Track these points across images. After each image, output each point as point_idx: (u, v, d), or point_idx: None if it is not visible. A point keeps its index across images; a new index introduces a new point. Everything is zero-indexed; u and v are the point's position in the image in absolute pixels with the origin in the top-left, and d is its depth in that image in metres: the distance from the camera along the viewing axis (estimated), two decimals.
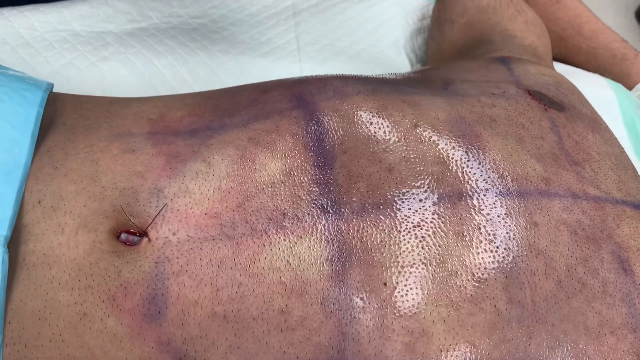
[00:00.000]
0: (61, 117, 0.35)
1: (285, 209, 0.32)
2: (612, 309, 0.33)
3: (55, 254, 0.28)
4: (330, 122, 0.35)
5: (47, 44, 0.51)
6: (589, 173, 0.38)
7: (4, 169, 0.30)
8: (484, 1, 0.60)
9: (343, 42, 0.64)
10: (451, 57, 0.59)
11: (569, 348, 0.31)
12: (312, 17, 0.66)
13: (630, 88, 0.73)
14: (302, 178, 0.33)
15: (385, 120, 0.35)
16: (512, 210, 0.34)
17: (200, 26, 0.60)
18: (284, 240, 0.31)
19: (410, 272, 0.31)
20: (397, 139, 0.35)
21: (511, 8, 0.59)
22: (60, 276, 0.28)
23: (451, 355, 0.29)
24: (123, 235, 0.30)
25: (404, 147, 0.35)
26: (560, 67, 0.74)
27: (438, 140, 0.35)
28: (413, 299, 0.30)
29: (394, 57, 0.66)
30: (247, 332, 0.29)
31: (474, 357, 0.29)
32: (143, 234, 0.30)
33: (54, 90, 0.41)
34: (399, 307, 0.30)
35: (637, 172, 0.43)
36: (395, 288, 0.30)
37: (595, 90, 0.69)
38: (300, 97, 0.37)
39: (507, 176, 0.35)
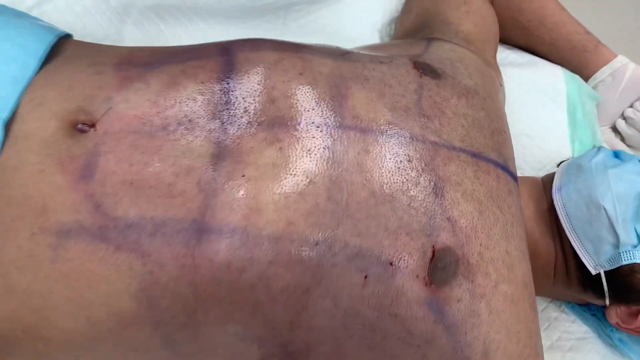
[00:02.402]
0: (66, 51, 0.52)
1: (192, 117, 0.46)
2: (412, 218, 0.44)
3: (32, 132, 0.44)
4: (239, 65, 0.49)
5: (85, 8, 0.69)
6: (436, 125, 0.49)
7: (15, 79, 0.47)
8: None
9: (325, 20, 0.77)
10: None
11: (369, 238, 0.43)
12: (305, 3, 0.79)
13: (588, 77, 0.80)
14: (211, 98, 0.47)
15: (278, 68, 0.49)
16: (352, 139, 0.46)
17: (207, 6, 0.75)
18: (184, 138, 0.45)
19: (263, 169, 0.44)
20: (283, 81, 0.48)
21: None
22: (32, 145, 0.44)
23: (274, 226, 0.42)
24: (80, 125, 0.45)
25: (287, 87, 0.48)
26: (526, 58, 0.82)
27: (315, 85, 0.48)
28: (257, 188, 0.43)
29: (368, 39, 0.78)
30: (144, 194, 0.43)
31: (292, 229, 0.42)
32: (92, 125, 0.45)
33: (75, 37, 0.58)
34: (246, 191, 0.43)
35: (496, 134, 0.53)
36: (249, 180, 0.44)
37: (549, 81, 0.78)
38: (228, 49, 0.51)
39: (358, 117, 0.47)
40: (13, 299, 0.43)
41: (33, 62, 0.48)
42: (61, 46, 0.52)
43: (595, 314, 0.64)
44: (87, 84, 0.47)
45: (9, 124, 0.45)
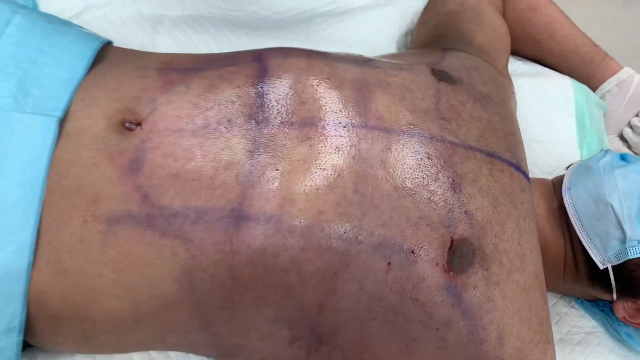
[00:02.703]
0: (110, 56, 0.56)
1: (230, 118, 0.50)
2: (432, 210, 0.48)
3: (84, 129, 0.49)
4: (272, 71, 0.53)
5: (121, 18, 0.74)
6: (453, 126, 0.53)
7: (67, 81, 0.51)
8: (452, 7, 0.75)
9: (346, 31, 0.82)
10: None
11: (393, 228, 0.47)
12: (326, 15, 0.84)
13: (596, 88, 0.84)
14: (246, 100, 0.51)
15: (307, 73, 0.53)
16: (376, 138, 0.50)
17: (234, 17, 0.80)
18: (223, 136, 0.49)
19: (295, 164, 0.48)
20: (312, 85, 0.52)
21: (472, 12, 0.74)
22: (85, 141, 0.48)
23: (306, 215, 0.46)
24: (127, 124, 0.50)
25: (316, 90, 0.52)
26: (536, 68, 0.86)
27: (341, 89, 0.52)
28: (290, 180, 0.47)
29: (386, 49, 0.82)
30: (188, 186, 0.47)
31: (322, 218, 0.46)
32: (138, 124, 0.50)
33: (114, 44, 0.62)
34: (280, 183, 0.47)
35: (509, 136, 0.57)
36: (282, 173, 0.47)
37: (558, 89, 0.82)
38: (260, 56, 0.55)
39: (381, 118, 0.51)
40: (64, 280, 0.47)
41: (82, 66, 0.53)
42: (105, 52, 0.57)
43: (603, 310, 0.67)
44: (133, 86, 0.52)
45: (62, 123, 0.49)
